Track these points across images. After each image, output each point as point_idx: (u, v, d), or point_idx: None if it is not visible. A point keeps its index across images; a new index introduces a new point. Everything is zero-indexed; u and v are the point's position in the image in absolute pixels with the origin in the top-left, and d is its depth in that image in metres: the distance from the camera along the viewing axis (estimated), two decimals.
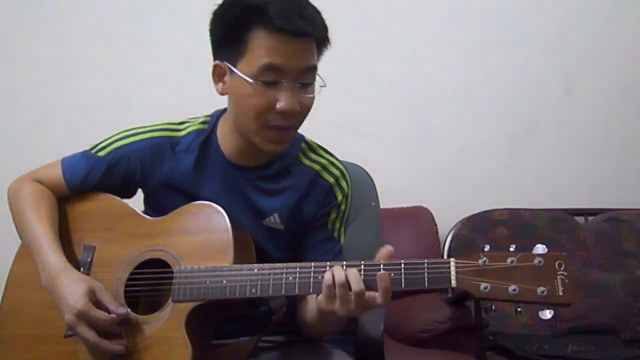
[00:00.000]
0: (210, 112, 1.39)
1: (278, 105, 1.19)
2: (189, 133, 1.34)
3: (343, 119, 2.79)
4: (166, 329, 1.18)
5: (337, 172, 1.36)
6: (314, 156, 1.37)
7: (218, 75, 1.26)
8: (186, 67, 2.73)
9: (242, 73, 1.19)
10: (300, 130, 1.36)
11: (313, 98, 1.24)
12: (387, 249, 1.12)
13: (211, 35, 1.25)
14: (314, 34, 1.19)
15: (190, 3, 2.72)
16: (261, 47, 1.17)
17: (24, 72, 2.77)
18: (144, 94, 2.74)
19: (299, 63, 1.18)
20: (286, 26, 1.15)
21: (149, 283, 1.25)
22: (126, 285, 1.25)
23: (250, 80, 1.18)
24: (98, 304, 1.18)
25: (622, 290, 2.53)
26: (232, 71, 1.21)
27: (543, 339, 2.37)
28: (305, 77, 1.21)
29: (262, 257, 1.27)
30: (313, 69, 1.22)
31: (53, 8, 2.79)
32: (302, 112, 1.22)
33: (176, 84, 2.73)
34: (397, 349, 2.20)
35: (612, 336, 2.41)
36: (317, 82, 1.24)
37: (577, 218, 2.79)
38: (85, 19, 2.79)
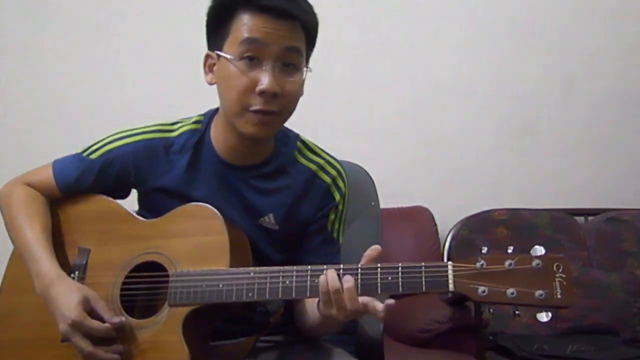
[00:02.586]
0: (203, 112, 1.38)
1: (258, 86, 1.18)
2: (182, 133, 1.33)
3: (343, 119, 2.79)
4: (163, 333, 1.18)
5: (334, 172, 1.36)
6: (310, 155, 1.36)
7: (209, 66, 1.26)
8: (184, 66, 2.73)
9: (226, 54, 1.19)
10: (301, 130, 1.36)
11: (298, 84, 1.23)
12: (374, 249, 1.11)
13: (206, 28, 1.26)
14: (298, 15, 1.19)
15: (188, 3, 2.73)
16: (243, 26, 1.18)
17: (21, 72, 2.77)
18: (143, 95, 2.74)
19: (280, 40, 1.18)
20: (268, 3, 1.16)
21: (145, 287, 1.24)
22: (122, 289, 1.24)
23: (232, 57, 1.18)
24: (92, 313, 1.17)
25: (622, 290, 2.53)
26: (219, 56, 1.22)
27: (543, 339, 2.37)
28: (288, 58, 1.20)
29: (259, 257, 1.27)
30: (297, 50, 1.21)
31: (51, 8, 2.79)
32: (285, 96, 1.20)
33: (175, 84, 2.73)
34: (397, 349, 2.20)
35: (612, 336, 2.41)
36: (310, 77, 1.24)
37: (577, 218, 2.79)
38: (83, 18, 2.79)
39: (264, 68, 1.18)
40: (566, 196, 2.89)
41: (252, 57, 1.18)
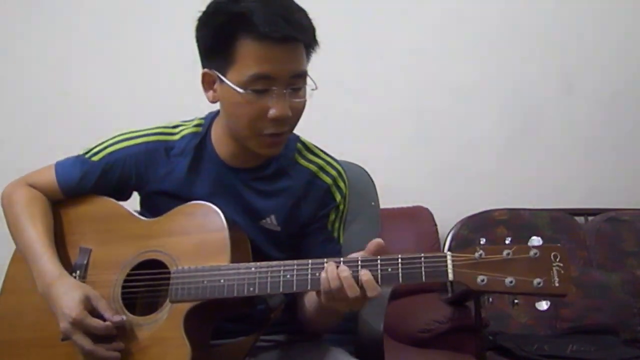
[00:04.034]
0: (203, 115, 1.38)
1: (270, 113, 1.18)
2: (183, 137, 1.34)
3: (343, 119, 2.79)
4: (164, 330, 1.18)
5: (334, 173, 1.36)
6: (310, 156, 1.37)
7: (207, 82, 1.24)
8: (188, 66, 2.73)
9: (231, 83, 1.18)
10: (301, 131, 1.36)
11: (304, 102, 1.23)
12: (377, 242, 1.11)
13: (198, 43, 1.24)
14: (301, 38, 1.18)
15: (193, 3, 2.73)
16: (249, 56, 1.16)
17: (25, 72, 2.77)
18: (147, 94, 2.74)
19: (288, 69, 1.17)
20: (273, 33, 1.13)
21: (146, 284, 1.25)
22: (123, 287, 1.25)
23: (240, 90, 1.17)
24: (93, 312, 1.18)
25: (622, 290, 2.53)
26: (221, 80, 1.20)
27: (543, 339, 2.37)
28: (295, 82, 1.20)
29: (261, 258, 1.26)
30: (303, 74, 1.21)
31: (55, 7, 2.79)
32: (294, 116, 1.22)
33: (178, 83, 2.72)
34: (397, 349, 2.20)
35: (612, 336, 2.41)
36: (309, 85, 1.23)
37: (577, 218, 2.79)
38: (87, 18, 2.79)
39: (273, 95, 1.17)
40: (566, 196, 2.89)
41: (262, 89, 1.17)
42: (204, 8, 1.23)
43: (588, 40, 2.95)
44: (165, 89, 2.73)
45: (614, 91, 2.96)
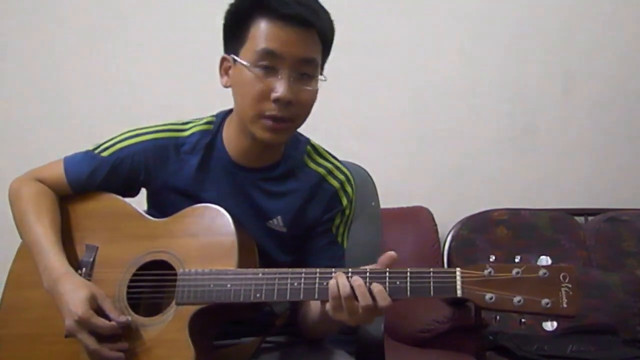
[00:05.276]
0: (214, 113, 1.38)
1: (273, 93, 1.19)
2: (193, 134, 1.34)
3: (344, 119, 2.79)
4: (169, 332, 1.18)
5: (342, 177, 1.36)
6: (319, 160, 1.37)
7: (224, 68, 1.27)
8: (187, 67, 2.73)
9: (242, 60, 1.20)
10: (301, 130, 1.36)
11: (313, 92, 1.23)
12: (390, 255, 1.11)
13: (223, 31, 1.27)
14: (314, 22, 1.19)
15: (196, 4, 2.73)
16: (260, 34, 1.18)
17: (23, 71, 2.77)
18: (144, 94, 2.74)
19: (297, 51, 1.18)
20: (284, 11, 1.16)
21: (152, 285, 1.25)
22: (129, 287, 1.25)
23: (248, 65, 1.19)
24: (99, 311, 1.18)
25: (622, 290, 2.53)
26: (235, 61, 1.22)
27: (543, 339, 2.37)
28: (304, 68, 1.20)
29: (266, 259, 1.27)
30: (313, 61, 1.21)
31: (51, 7, 2.78)
32: (299, 104, 1.21)
33: (176, 83, 2.73)
34: (397, 349, 2.20)
35: (612, 336, 2.41)
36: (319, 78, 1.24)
37: (577, 218, 2.79)
38: (87, 17, 2.79)
39: (279, 76, 1.18)
40: (566, 196, 2.89)
41: (268, 66, 1.18)
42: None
43: (588, 40, 2.95)
44: (166, 89, 2.74)
45: (613, 90, 2.96)
